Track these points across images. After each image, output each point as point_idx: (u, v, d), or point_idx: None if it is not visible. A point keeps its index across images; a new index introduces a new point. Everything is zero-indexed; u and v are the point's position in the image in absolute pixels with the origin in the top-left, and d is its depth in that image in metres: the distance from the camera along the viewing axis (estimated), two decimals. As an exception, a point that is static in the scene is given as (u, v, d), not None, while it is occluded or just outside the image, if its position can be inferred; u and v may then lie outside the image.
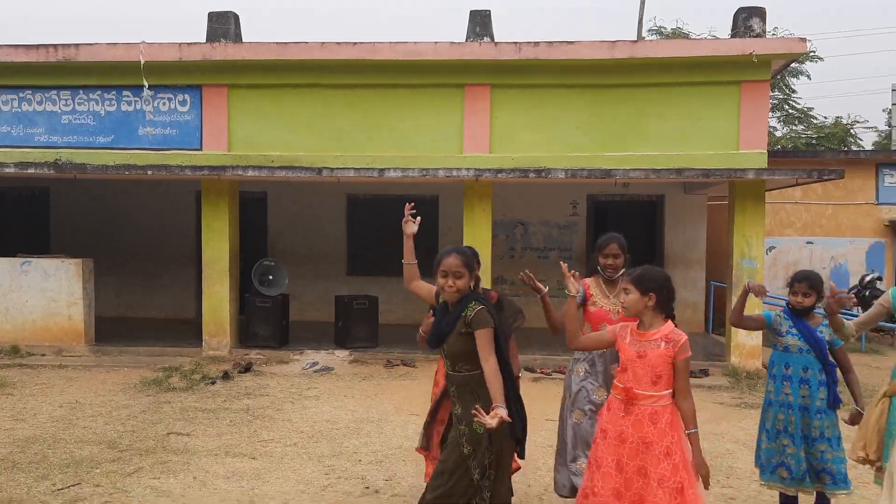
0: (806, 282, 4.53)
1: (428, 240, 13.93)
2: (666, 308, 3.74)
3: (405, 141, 10.96)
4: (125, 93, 11.16)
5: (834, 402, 4.46)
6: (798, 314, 4.57)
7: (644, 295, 3.70)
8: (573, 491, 4.52)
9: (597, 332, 4.18)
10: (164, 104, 11.17)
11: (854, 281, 13.97)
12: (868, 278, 13.70)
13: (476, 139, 10.81)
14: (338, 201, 14.11)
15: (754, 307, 10.18)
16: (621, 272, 4.59)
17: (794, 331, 4.55)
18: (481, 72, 10.75)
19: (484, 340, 3.59)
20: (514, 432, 3.66)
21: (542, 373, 10.05)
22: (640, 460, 3.60)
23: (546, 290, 4.63)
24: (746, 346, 10.30)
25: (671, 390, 3.65)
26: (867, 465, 3.83)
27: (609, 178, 10.14)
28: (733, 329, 10.34)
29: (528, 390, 7.83)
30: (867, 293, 13.51)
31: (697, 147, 10.54)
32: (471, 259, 3.86)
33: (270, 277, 11.32)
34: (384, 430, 7.15)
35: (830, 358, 4.51)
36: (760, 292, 4.62)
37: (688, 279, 13.51)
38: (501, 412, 3.41)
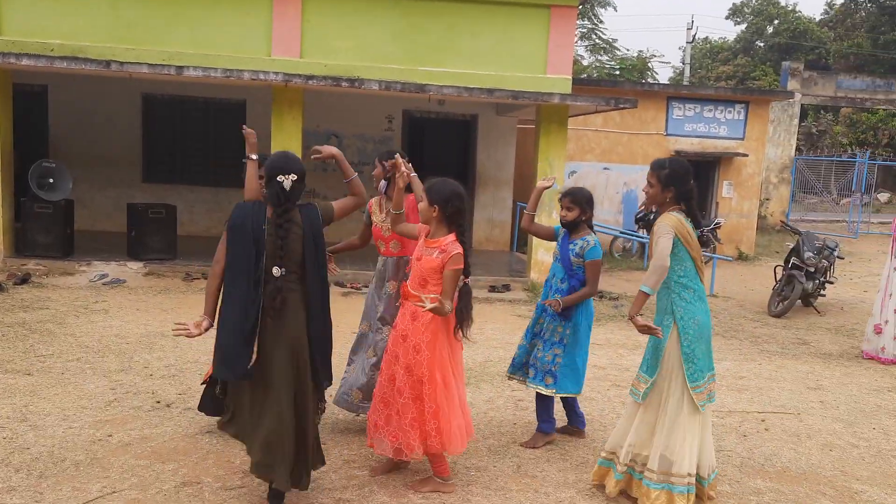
0: (568, 196, 4.79)
1: (234, 148, 13.23)
2: (450, 221, 3.97)
3: (207, 38, 10.13)
4: None
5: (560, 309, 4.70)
6: (567, 227, 4.82)
7: (430, 206, 3.95)
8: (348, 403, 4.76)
9: (412, 225, 4.32)
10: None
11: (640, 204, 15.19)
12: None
13: (286, 42, 10.24)
14: (132, 100, 12.88)
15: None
16: (384, 185, 4.82)
17: (559, 241, 4.86)
18: (294, -30, 10.10)
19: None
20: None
21: (351, 287, 10.04)
22: (397, 347, 3.98)
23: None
24: (545, 262, 10.91)
25: (436, 296, 3.82)
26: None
27: (423, 93, 10.06)
28: (533, 246, 10.90)
29: (337, 304, 7.76)
30: (651, 216, 14.78)
31: (508, 69, 10.72)
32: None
33: (51, 181, 10.18)
34: (179, 344, 6.79)
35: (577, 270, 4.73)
36: (547, 180, 4.86)
37: (497, 199, 13.98)
38: None
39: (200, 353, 6.43)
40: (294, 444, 3.56)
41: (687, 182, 3.96)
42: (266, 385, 3.55)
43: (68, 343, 6.63)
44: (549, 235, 5.03)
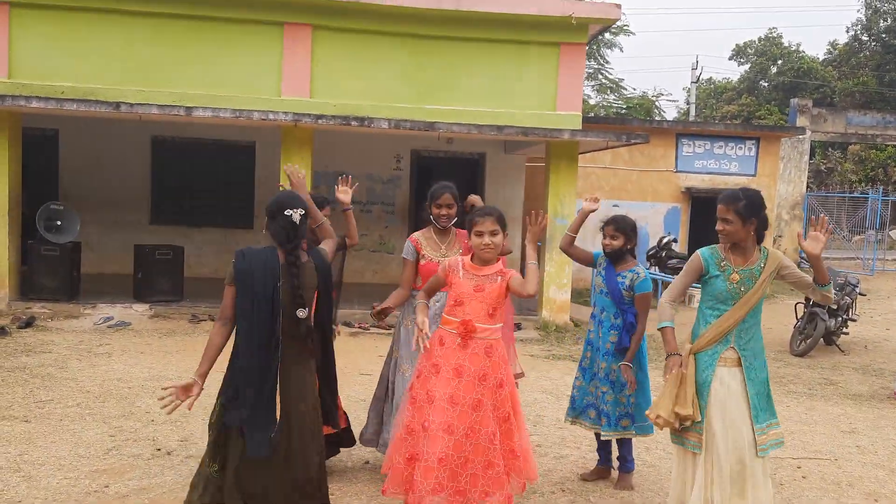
0: (612, 225, 4.60)
1: (245, 190, 13.17)
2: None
3: (217, 79, 10.12)
4: None
5: (619, 346, 4.51)
6: (610, 258, 4.62)
7: (504, 233, 3.84)
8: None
9: (432, 278, 4.08)
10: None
11: (653, 242, 14.99)
12: (665, 240, 14.74)
13: (295, 82, 10.21)
14: (141, 143, 12.86)
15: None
16: (454, 221, 4.54)
17: (603, 272, 4.63)
18: (302, 11, 10.13)
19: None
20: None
21: (360, 327, 9.81)
22: (477, 392, 3.64)
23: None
24: (557, 301, 10.69)
25: (502, 324, 3.79)
26: (682, 423, 3.66)
27: (432, 130, 9.99)
28: (545, 285, 10.67)
29: (346, 345, 7.56)
30: (663, 253, 14.56)
31: (517, 105, 10.65)
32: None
33: (59, 223, 10.08)
34: (184, 387, 6.56)
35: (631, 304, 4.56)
36: (593, 201, 4.70)
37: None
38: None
39: (204, 397, 6.18)
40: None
41: (764, 210, 3.71)
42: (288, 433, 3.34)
43: (69, 388, 6.41)
44: (588, 260, 4.81)
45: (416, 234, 4.60)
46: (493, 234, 3.75)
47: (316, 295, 3.45)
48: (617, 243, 4.57)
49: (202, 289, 10.78)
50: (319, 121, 9.69)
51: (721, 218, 3.69)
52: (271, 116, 9.58)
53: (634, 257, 4.67)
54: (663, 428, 3.78)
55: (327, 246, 3.69)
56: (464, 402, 3.61)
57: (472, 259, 3.85)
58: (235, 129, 11.96)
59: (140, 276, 10.30)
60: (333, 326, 4.32)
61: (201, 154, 13.05)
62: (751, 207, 3.65)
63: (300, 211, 3.39)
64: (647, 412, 3.93)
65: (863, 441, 6.06)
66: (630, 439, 4.64)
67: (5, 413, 5.61)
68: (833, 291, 3.69)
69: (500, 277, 3.76)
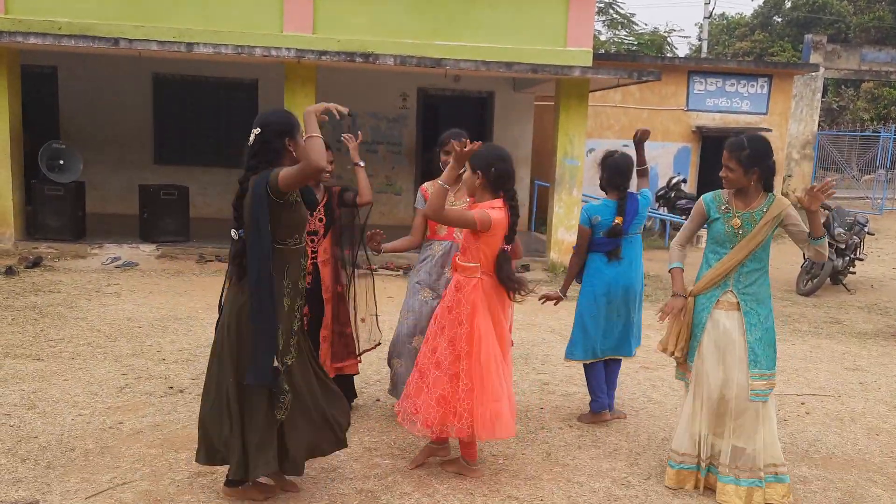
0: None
1: (246, 129, 12.98)
2: (495, 186, 3.79)
3: (218, 14, 9.87)
4: None
5: None
6: None
7: (473, 172, 3.75)
8: None
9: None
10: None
11: (662, 183, 14.85)
12: (674, 181, 14.61)
13: (298, 17, 9.96)
14: (142, 80, 12.66)
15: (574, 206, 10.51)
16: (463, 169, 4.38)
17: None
18: (305, -59, 9.81)
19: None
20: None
21: (367, 269, 9.80)
22: (443, 319, 3.76)
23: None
24: (565, 242, 10.63)
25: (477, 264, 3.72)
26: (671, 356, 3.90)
27: (440, 67, 9.77)
28: (553, 225, 10.62)
29: (356, 286, 7.56)
30: (672, 194, 14.45)
31: (527, 42, 10.39)
32: None
33: (62, 162, 10.01)
34: (193, 328, 6.62)
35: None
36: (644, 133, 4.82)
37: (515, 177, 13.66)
38: None
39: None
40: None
41: (769, 158, 3.65)
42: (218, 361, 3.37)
43: (79, 327, 6.46)
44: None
45: (426, 184, 4.51)
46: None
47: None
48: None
49: (208, 229, 10.75)
50: (323, 57, 9.49)
51: (725, 164, 3.68)
52: (273, 53, 9.38)
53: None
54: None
55: (288, 170, 3.21)
56: (438, 323, 3.79)
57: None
58: (237, 67, 11.74)
59: (146, 217, 10.27)
60: (357, 269, 4.36)
61: (203, 91, 12.86)
62: (754, 157, 3.61)
63: (255, 131, 3.31)
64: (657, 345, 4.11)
65: (866, 378, 6.10)
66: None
67: (17, 352, 5.66)
68: (826, 247, 3.66)
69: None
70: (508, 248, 3.78)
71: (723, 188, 3.79)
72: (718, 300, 3.71)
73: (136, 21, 9.71)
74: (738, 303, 3.68)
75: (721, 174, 3.71)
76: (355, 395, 4.79)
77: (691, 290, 3.81)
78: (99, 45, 9.20)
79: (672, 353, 3.84)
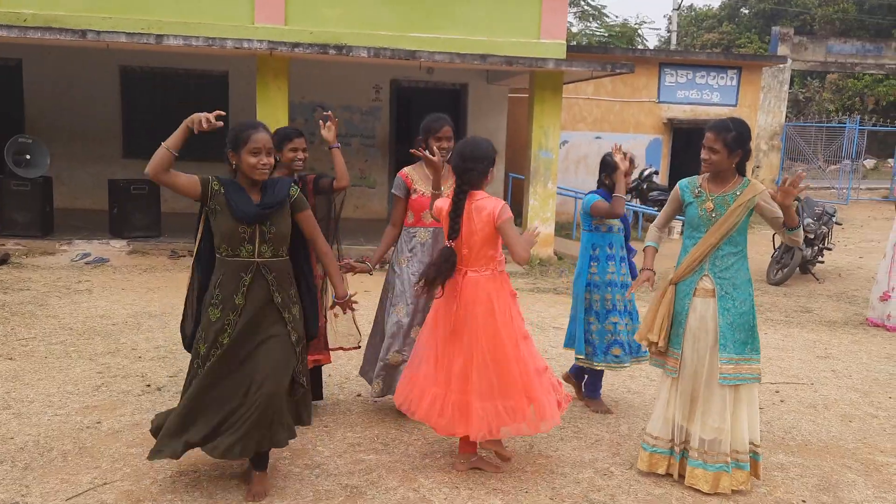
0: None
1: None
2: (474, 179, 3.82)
3: (188, 6, 9.74)
4: None
5: (634, 273, 4.71)
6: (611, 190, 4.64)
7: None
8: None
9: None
10: None
11: (634, 175, 14.97)
12: (646, 172, 14.73)
13: (269, 8, 9.85)
14: (110, 73, 12.43)
15: (549, 198, 10.55)
16: (449, 156, 4.38)
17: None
18: (276, -68, 9.69)
19: (313, 221, 3.54)
20: (310, 330, 3.62)
21: (343, 263, 9.76)
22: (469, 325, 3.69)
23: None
24: (541, 234, 10.67)
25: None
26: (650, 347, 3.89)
27: (414, 59, 9.73)
28: (528, 219, 10.66)
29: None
30: (644, 186, 14.58)
31: (501, 34, 10.40)
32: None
33: (28, 157, 9.79)
34: (168, 324, 6.54)
35: None
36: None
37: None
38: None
39: (191, 333, 6.17)
40: None
41: (750, 141, 3.70)
42: None
43: (51, 325, 6.34)
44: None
45: (406, 169, 4.47)
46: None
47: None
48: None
49: (180, 224, 10.56)
50: (296, 49, 9.40)
51: (708, 147, 3.67)
52: (245, 45, 9.27)
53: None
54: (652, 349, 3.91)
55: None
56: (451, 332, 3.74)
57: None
58: (208, 59, 11.59)
59: (116, 212, 10.11)
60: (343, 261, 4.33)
61: (173, 84, 12.67)
62: (739, 139, 3.64)
63: None
64: (635, 336, 4.14)
65: (837, 366, 6.23)
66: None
67: (-12, 351, 5.55)
68: (801, 235, 3.73)
69: (485, 212, 3.76)
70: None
71: (699, 175, 3.83)
72: (696, 287, 3.74)
73: (104, 13, 9.53)
74: (713, 289, 3.72)
75: (703, 156, 3.70)
76: (321, 397, 4.68)
77: (671, 277, 3.83)
78: (66, 37, 9.01)
79: (655, 343, 3.81)
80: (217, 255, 3.40)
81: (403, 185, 4.41)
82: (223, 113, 3.36)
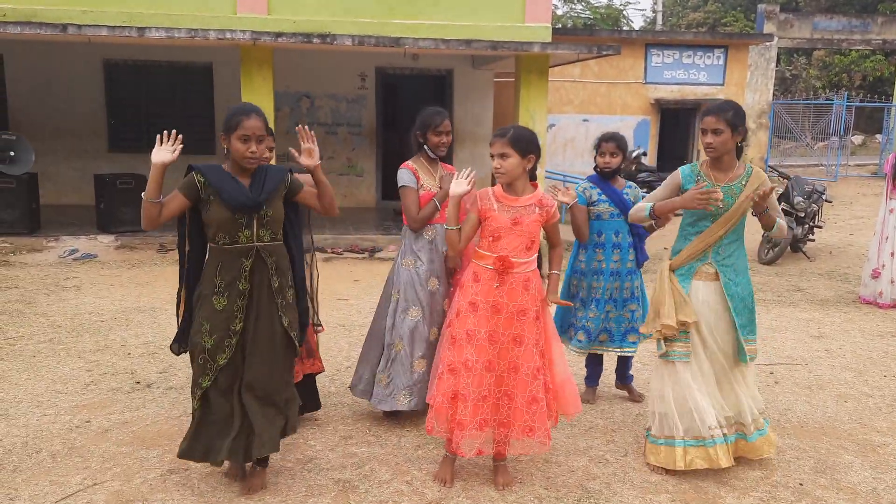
0: (613, 142, 4.50)
1: (203, 114, 12.72)
2: (532, 171, 3.53)
3: (169, -3, 9.59)
4: None
5: (642, 261, 4.62)
6: (605, 177, 4.55)
7: (524, 157, 3.42)
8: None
9: (465, 220, 3.56)
10: None
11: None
12: (634, 154, 14.67)
13: (252, -2, 9.72)
14: (92, 66, 12.28)
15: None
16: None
17: (603, 197, 4.54)
18: (256, -81, 9.55)
19: (311, 190, 3.51)
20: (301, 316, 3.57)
21: (332, 252, 9.72)
22: (516, 329, 3.46)
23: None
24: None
25: (538, 255, 3.56)
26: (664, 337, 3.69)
27: (398, 46, 9.64)
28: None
29: (321, 270, 7.44)
30: (633, 167, 14.53)
31: (485, 18, 10.31)
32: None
33: (12, 154, 9.67)
34: (158, 319, 6.48)
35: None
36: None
37: (476, 156, 13.64)
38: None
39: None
40: None
41: (745, 121, 3.66)
42: None
43: (39, 323, 6.28)
44: (585, 213, 4.58)
45: (409, 162, 4.26)
46: (502, 156, 3.40)
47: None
48: (616, 161, 4.51)
49: (168, 217, 10.51)
50: (279, 39, 9.29)
51: (711, 130, 3.59)
52: (228, 36, 9.15)
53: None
54: (665, 337, 3.72)
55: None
56: (504, 339, 3.47)
57: (504, 188, 3.49)
58: (191, 50, 11.44)
59: (103, 207, 10.01)
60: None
61: (156, 77, 12.53)
62: (738, 116, 3.60)
63: None
64: (642, 329, 3.97)
65: (831, 345, 6.23)
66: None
67: (-25, 352, 5.49)
68: (784, 229, 3.78)
69: (538, 209, 3.47)
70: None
71: (697, 161, 3.79)
72: (697, 270, 3.71)
73: (85, 6, 9.38)
74: (716, 272, 3.69)
75: (706, 141, 3.61)
76: (318, 406, 4.41)
77: (670, 263, 3.78)
78: (46, 31, 8.87)
79: (683, 325, 3.64)
80: (212, 245, 3.32)
81: (413, 177, 4.20)
82: (176, 132, 3.32)
